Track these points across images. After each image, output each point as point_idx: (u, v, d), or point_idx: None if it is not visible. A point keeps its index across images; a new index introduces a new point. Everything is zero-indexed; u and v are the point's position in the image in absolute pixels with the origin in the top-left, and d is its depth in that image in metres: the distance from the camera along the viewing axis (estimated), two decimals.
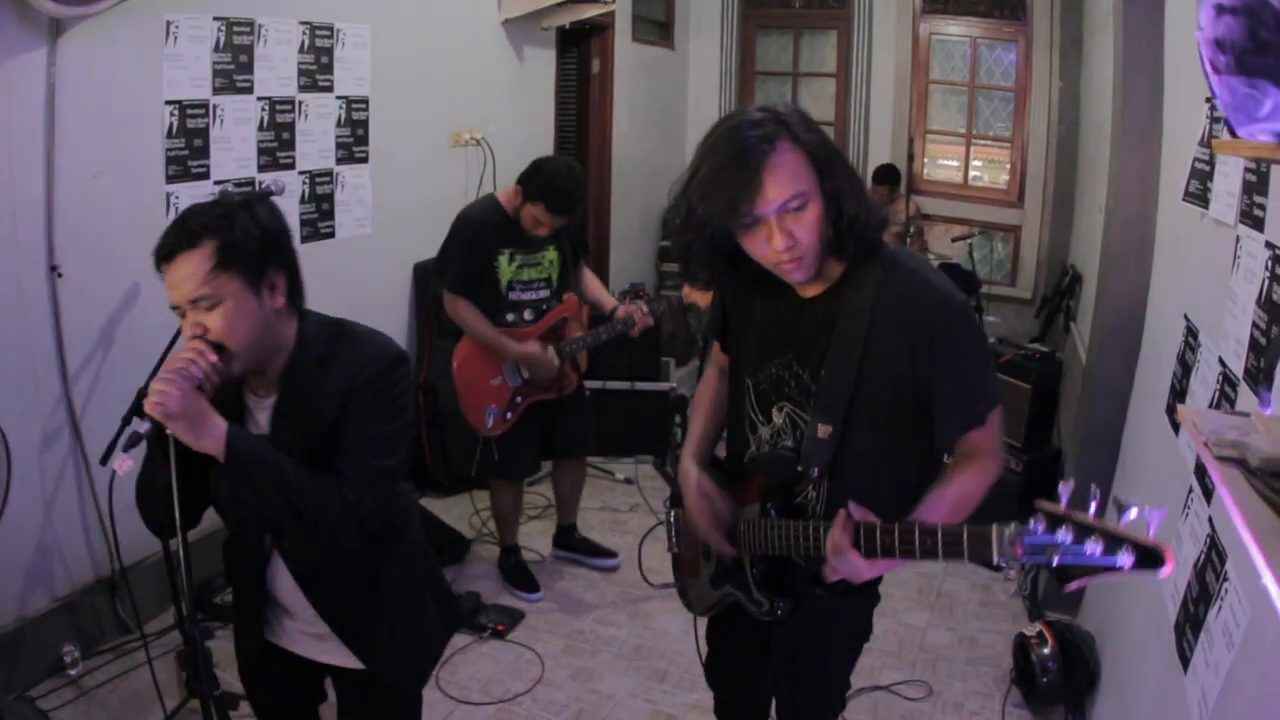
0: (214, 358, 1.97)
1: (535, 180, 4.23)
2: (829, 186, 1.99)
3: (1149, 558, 1.50)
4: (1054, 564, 1.57)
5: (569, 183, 4.23)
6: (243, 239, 2.01)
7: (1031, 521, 1.60)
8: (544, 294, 4.52)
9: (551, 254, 4.49)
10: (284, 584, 2.30)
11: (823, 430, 2.15)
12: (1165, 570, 1.50)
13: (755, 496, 2.32)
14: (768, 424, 2.33)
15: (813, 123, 2.04)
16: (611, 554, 5.01)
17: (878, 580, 2.31)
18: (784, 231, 1.97)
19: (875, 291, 2.09)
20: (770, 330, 2.30)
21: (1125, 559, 1.51)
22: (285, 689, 2.54)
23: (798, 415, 2.25)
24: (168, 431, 1.94)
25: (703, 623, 2.74)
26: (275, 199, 3.59)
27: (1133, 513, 1.51)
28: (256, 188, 4.31)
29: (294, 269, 2.16)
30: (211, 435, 1.97)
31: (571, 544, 5.06)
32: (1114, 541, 1.52)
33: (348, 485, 2.07)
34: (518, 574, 4.79)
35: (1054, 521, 1.58)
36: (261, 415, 2.20)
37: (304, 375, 2.14)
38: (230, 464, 1.99)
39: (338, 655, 2.37)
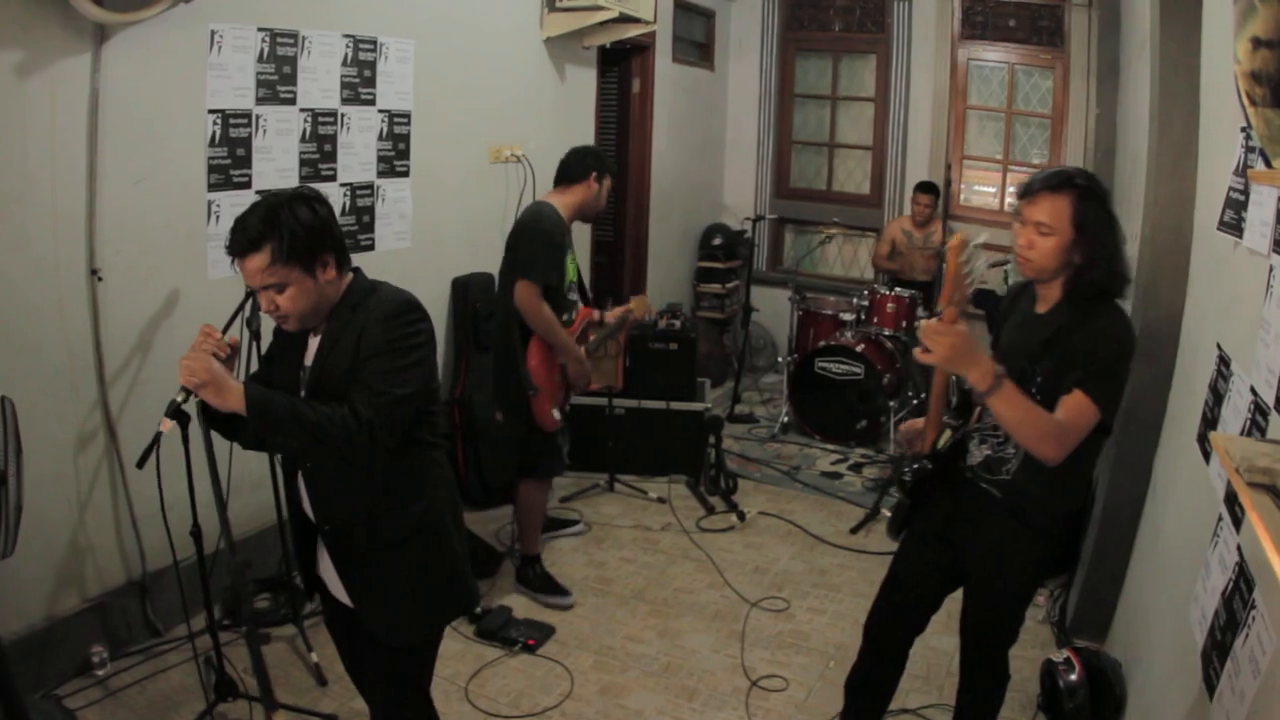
0: (218, 336, 2.51)
1: (598, 160, 4.56)
2: (1081, 237, 2.67)
3: None
4: None
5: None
6: (292, 237, 2.44)
7: None
8: (576, 296, 4.67)
9: (574, 257, 4.62)
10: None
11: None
12: None
13: None
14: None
15: (1104, 198, 2.72)
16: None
17: (1058, 522, 2.95)
18: (1025, 235, 2.76)
19: (1078, 319, 2.72)
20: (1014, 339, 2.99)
21: None
22: (339, 631, 2.99)
23: None
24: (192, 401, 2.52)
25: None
26: None
27: None
28: None
29: (340, 244, 2.59)
30: (233, 393, 2.42)
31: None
32: None
33: (357, 404, 2.45)
34: (546, 582, 4.80)
35: None
36: (312, 350, 2.65)
37: (340, 318, 2.59)
38: (251, 410, 2.41)
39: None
